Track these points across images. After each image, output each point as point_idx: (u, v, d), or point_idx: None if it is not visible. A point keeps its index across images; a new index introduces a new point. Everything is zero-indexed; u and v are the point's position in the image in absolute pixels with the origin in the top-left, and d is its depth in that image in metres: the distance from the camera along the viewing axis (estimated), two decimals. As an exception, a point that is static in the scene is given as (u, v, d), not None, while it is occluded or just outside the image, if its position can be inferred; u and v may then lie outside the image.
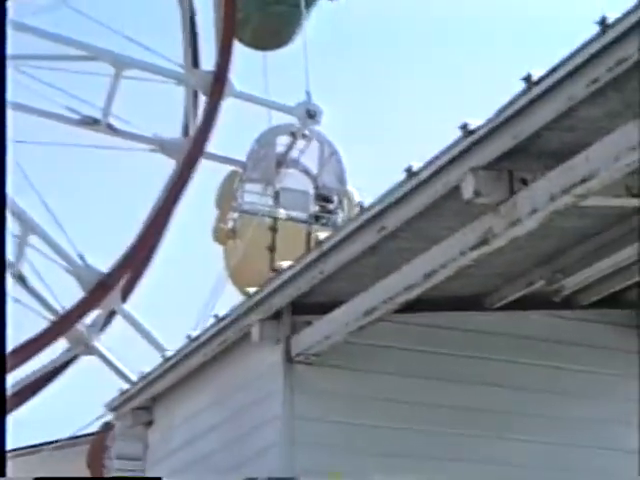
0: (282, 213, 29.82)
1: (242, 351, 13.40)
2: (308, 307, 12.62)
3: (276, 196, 30.15)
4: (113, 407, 16.80)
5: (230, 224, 30.23)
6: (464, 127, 10.00)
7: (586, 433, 13.18)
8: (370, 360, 12.62)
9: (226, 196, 30.48)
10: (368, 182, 27.92)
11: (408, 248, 11.27)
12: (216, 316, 13.78)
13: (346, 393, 12.59)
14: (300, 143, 30.71)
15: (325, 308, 12.38)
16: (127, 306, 30.89)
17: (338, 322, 12.18)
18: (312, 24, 30.53)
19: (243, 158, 30.73)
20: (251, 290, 13.13)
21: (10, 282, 29.69)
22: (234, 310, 13.43)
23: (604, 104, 9.21)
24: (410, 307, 11.91)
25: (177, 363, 14.46)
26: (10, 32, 28.98)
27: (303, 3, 29.40)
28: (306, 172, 30.56)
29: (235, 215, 30.28)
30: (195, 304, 28.75)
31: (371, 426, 12.46)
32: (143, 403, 15.44)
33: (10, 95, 28.89)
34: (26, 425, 30.47)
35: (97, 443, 29.20)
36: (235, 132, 31.29)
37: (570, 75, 9.11)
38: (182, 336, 25.33)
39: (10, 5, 24.83)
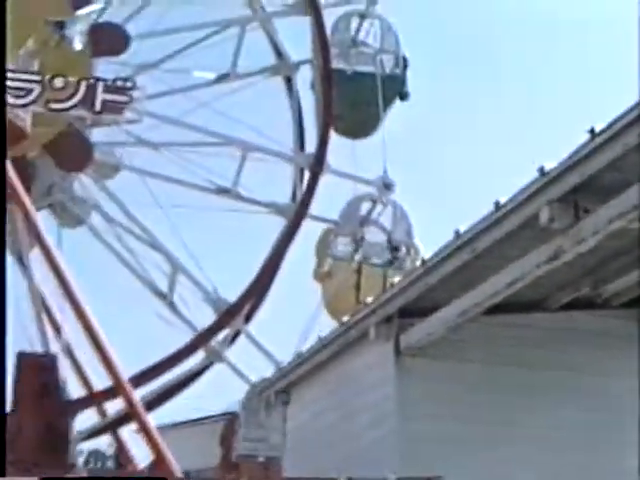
0: (365, 260, 29.75)
1: (361, 347, 13.18)
2: (412, 312, 12.37)
3: (361, 247, 30.08)
4: (259, 390, 16.55)
5: (326, 268, 30.12)
6: (541, 169, 9.85)
7: (607, 397, 12.80)
8: (461, 352, 12.37)
9: (323, 247, 30.41)
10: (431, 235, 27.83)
11: (491, 265, 11.08)
12: (341, 322, 13.59)
13: (443, 376, 12.31)
14: (379, 207, 30.57)
15: (425, 312, 12.17)
16: (249, 327, 30.78)
17: (438, 322, 11.99)
18: (392, 116, 30.53)
19: (336, 217, 30.58)
20: (369, 300, 12.98)
21: (165, 309, 29.93)
22: (354, 316, 13.22)
23: (649, 150, 8.98)
24: (491, 310, 11.68)
25: (309, 357, 14.25)
26: (171, 128, 29.55)
27: (381, 105, 29.44)
28: (383, 229, 30.39)
29: (330, 261, 30.16)
30: (299, 326, 28.70)
31: (461, 401, 12.20)
32: (282, 387, 15.14)
33: (169, 172, 29.42)
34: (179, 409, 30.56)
35: (228, 427, 29.07)
36: (330, 198, 31.15)
37: (625, 128, 8.92)
38: (289, 350, 25.36)
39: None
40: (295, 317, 34.76)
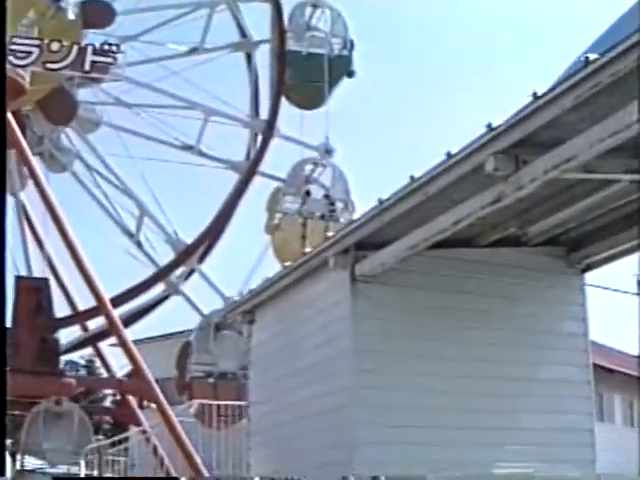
0: (310, 214, 29.80)
1: (321, 274, 13.00)
2: (367, 245, 12.24)
3: (304, 203, 30.12)
4: (228, 310, 16.46)
5: (276, 221, 30.15)
6: (489, 125, 9.86)
7: (528, 320, 13.05)
8: (408, 279, 12.36)
9: (273, 203, 30.45)
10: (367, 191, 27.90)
11: (440, 207, 11.03)
12: (304, 253, 13.51)
13: (392, 300, 12.30)
14: (320, 169, 30.64)
15: (378, 246, 12.07)
16: (202, 267, 30.77)
17: (389, 254, 11.92)
18: (339, 91, 30.61)
19: (283, 175, 30.61)
20: (330, 234, 12.98)
21: (132, 246, 29.87)
22: (316, 247, 13.18)
23: (579, 113, 9.03)
24: (433, 245, 11.65)
25: (275, 282, 14.09)
26: (145, 92, 29.32)
27: (327, 85, 29.50)
28: (323, 187, 30.42)
29: (279, 215, 30.18)
30: (245, 269, 28.70)
31: (408, 320, 12.24)
32: (248, 308, 14.99)
33: (142, 129, 29.23)
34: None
35: (182, 352, 29.08)
36: (279, 159, 31.19)
37: (562, 93, 8.99)
38: (236, 287, 25.38)
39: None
40: (242, 261, 34.82)
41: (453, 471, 11.17)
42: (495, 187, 10.26)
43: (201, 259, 30.76)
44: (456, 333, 12.32)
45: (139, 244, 30.07)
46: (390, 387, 11.83)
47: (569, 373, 12.89)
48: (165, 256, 29.90)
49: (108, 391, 25.84)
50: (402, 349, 12.02)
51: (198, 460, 20.14)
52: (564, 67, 11.07)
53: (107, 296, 22.00)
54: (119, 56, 22.83)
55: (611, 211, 11.96)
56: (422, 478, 11.04)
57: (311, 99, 29.80)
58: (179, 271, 29.94)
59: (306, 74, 29.57)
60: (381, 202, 11.57)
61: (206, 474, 19.37)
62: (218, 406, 23.35)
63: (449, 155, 10.44)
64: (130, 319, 28.32)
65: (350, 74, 30.27)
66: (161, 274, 29.29)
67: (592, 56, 8.60)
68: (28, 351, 21.84)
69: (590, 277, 13.67)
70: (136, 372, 20.30)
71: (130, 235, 30.08)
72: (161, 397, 19.56)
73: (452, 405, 11.88)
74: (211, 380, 28.18)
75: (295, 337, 13.71)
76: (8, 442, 23.57)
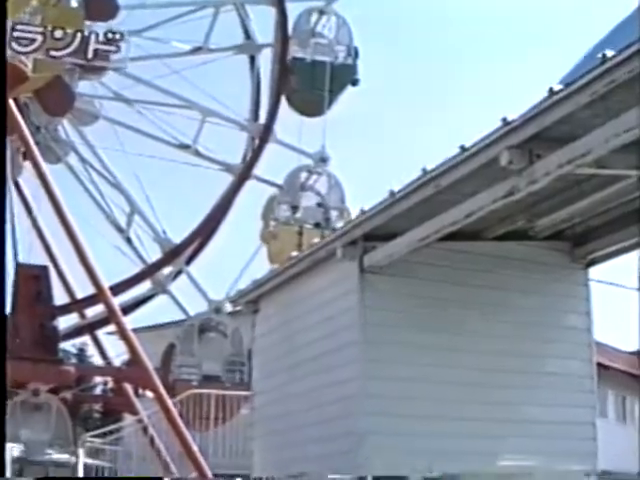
0: (303, 222, 30.23)
1: (328, 265, 13.31)
2: (376, 236, 12.57)
3: (296, 211, 30.58)
4: (233, 300, 16.71)
5: (271, 229, 30.57)
6: (504, 119, 10.19)
7: (533, 313, 13.46)
8: (416, 271, 12.70)
9: (268, 212, 30.88)
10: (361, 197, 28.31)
11: (452, 200, 11.35)
12: (312, 243, 13.82)
13: (399, 291, 12.64)
14: (315, 176, 31.08)
15: (387, 237, 12.39)
16: (190, 268, 31.09)
17: (399, 245, 12.22)
18: (343, 99, 31.06)
19: (278, 181, 31.04)
20: (339, 225, 13.26)
21: (121, 242, 30.21)
22: (324, 239, 13.49)
23: (594, 109, 9.43)
24: (441, 238, 11.96)
25: (280, 272, 14.43)
26: (145, 88, 29.71)
27: (327, 95, 29.93)
28: (319, 194, 30.85)
29: (274, 224, 30.59)
30: (233, 272, 29.03)
31: (415, 312, 12.61)
32: (253, 298, 15.29)
33: (139, 125, 29.59)
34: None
35: (166, 354, 29.34)
36: (276, 164, 31.65)
37: (578, 89, 9.36)
38: (222, 291, 25.65)
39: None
40: (231, 265, 35.20)
41: (456, 461, 11.53)
42: (508, 181, 10.59)
43: (189, 260, 31.10)
44: (462, 325, 12.69)
45: (129, 240, 30.47)
46: (397, 378, 12.18)
47: (572, 367, 13.30)
48: (154, 254, 30.29)
49: (99, 379, 26.18)
50: (409, 340, 12.37)
51: (195, 448, 20.42)
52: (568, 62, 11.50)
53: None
54: (122, 45, 23.20)
55: (617, 207, 12.40)
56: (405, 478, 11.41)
57: (314, 106, 30.21)
58: (167, 270, 30.26)
59: (310, 81, 30.04)
60: (392, 194, 11.84)
61: (204, 463, 19.64)
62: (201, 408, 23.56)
63: (463, 148, 10.76)
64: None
65: (354, 83, 30.74)
66: (148, 272, 29.69)
67: (609, 53, 9.00)
68: (27, 338, 22.18)
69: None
70: (135, 360, 20.61)
71: (120, 230, 30.47)
72: (160, 385, 19.88)
73: (457, 396, 12.25)
74: (195, 383, 28.50)
75: (301, 327, 13.97)
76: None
